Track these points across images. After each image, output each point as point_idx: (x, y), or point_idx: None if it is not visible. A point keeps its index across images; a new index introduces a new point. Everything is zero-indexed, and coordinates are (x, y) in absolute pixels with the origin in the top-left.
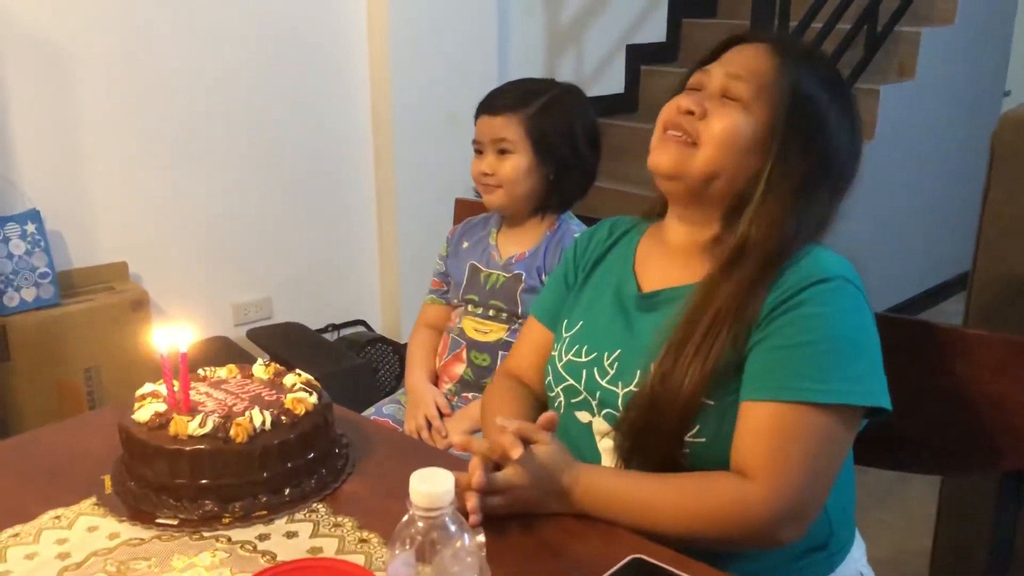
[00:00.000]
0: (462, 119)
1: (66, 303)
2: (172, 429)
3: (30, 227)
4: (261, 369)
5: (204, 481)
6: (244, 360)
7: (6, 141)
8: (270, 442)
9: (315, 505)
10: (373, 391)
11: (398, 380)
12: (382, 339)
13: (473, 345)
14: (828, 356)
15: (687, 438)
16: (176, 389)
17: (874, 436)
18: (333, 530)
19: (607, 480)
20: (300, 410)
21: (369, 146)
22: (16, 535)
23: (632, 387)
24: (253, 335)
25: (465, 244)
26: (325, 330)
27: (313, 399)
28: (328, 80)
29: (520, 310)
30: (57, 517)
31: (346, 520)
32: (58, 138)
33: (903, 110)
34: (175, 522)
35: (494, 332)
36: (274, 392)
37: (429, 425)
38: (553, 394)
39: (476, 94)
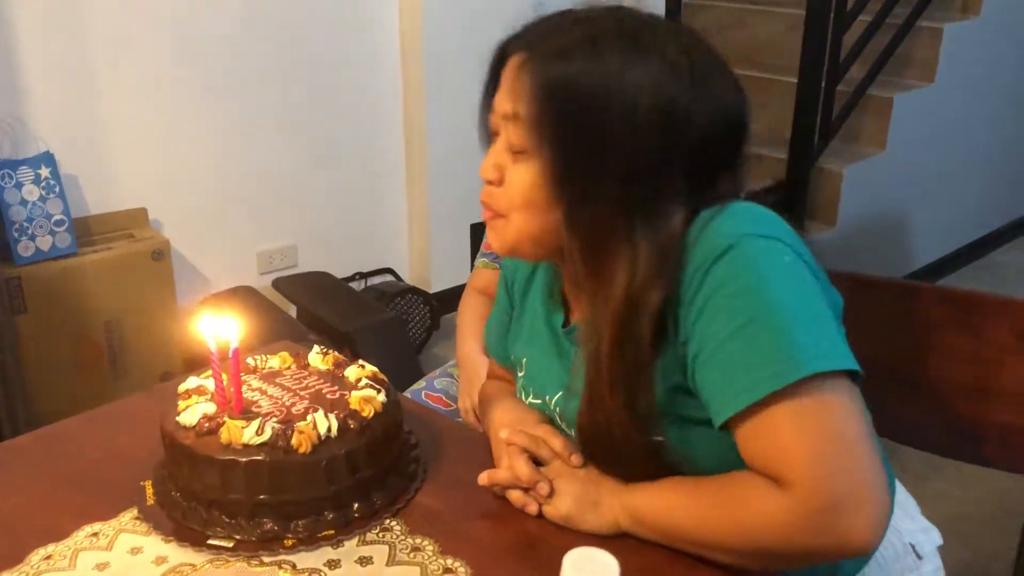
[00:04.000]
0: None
1: (83, 252)
2: (224, 436)
3: (44, 171)
4: (318, 359)
5: (262, 497)
6: (268, 311)
7: (16, 79)
8: (337, 452)
9: (388, 522)
10: (406, 346)
11: (429, 332)
12: (412, 289)
13: None
14: (764, 334)
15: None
16: (226, 385)
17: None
18: (412, 555)
19: (655, 490)
20: (368, 412)
21: (398, 85)
22: (49, 557)
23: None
24: (278, 284)
25: None
26: (352, 278)
27: (382, 397)
28: (355, 18)
29: None
30: (94, 535)
31: (426, 543)
32: (72, 75)
33: (966, 49)
34: (230, 544)
35: None
36: (336, 388)
37: None
38: None
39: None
